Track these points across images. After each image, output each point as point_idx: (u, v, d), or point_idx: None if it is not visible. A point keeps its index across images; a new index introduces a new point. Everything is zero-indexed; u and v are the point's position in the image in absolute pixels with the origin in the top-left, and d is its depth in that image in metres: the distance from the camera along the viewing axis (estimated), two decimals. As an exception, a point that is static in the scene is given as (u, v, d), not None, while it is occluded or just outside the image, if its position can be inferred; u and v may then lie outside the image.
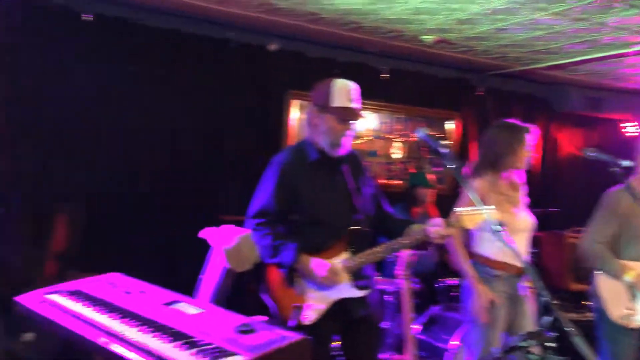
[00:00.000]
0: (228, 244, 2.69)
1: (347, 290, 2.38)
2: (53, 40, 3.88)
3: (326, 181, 2.46)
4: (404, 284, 3.44)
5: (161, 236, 4.27)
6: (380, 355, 3.69)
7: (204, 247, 2.99)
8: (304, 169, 2.44)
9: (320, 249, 2.39)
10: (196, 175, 4.42)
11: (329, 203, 2.44)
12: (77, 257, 3.89)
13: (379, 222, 2.62)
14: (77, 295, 2.01)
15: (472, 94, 5.61)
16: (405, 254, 3.40)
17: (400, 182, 5.17)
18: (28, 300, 2.02)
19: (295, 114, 4.76)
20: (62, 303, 1.94)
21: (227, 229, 2.80)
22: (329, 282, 2.33)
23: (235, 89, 4.52)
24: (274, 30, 4.49)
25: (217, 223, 2.95)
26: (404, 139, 5.34)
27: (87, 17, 3.95)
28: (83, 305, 1.90)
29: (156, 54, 4.25)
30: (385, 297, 3.78)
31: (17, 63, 3.77)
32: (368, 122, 5.12)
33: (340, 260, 2.37)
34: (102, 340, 1.66)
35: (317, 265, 2.32)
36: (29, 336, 3.38)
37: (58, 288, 2.10)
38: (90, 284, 2.16)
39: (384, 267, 4.10)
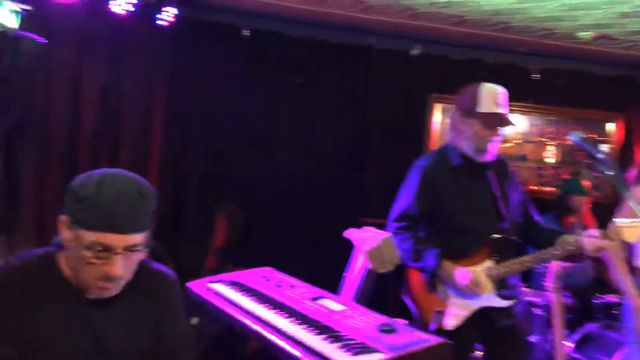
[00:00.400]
0: (369, 246, 2.77)
1: (490, 299, 2.33)
2: (218, 55, 4.31)
3: (470, 187, 2.42)
4: (554, 297, 3.24)
5: (308, 236, 4.54)
6: (527, 370, 3.51)
7: (347, 247, 3.12)
8: (446, 173, 2.42)
9: (462, 256, 2.36)
10: (341, 179, 4.61)
11: (472, 209, 2.40)
12: (234, 252, 4.29)
13: (527, 230, 2.52)
14: (236, 285, 2.23)
15: (638, 92, 5.07)
16: (556, 266, 3.20)
17: (553, 188, 4.86)
18: (196, 286, 2.30)
19: (438, 117, 4.73)
20: (223, 292, 2.16)
21: (369, 230, 2.88)
22: (471, 291, 2.30)
23: (378, 94, 4.63)
24: (416, 34, 4.50)
25: (359, 225, 3.05)
26: (557, 142, 5.01)
27: (245, 32, 4.32)
28: (241, 294, 2.10)
29: (303, 63, 4.51)
30: (534, 310, 3.59)
31: (189, 77, 4.26)
32: (517, 125, 4.89)
33: (483, 269, 2.33)
34: (257, 327, 1.83)
35: (459, 273, 2.31)
36: (194, 320, 3.80)
37: (220, 278, 2.35)
38: (247, 276, 2.37)
39: (532, 278, 3.90)
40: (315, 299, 2.06)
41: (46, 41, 3.22)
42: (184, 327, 1.61)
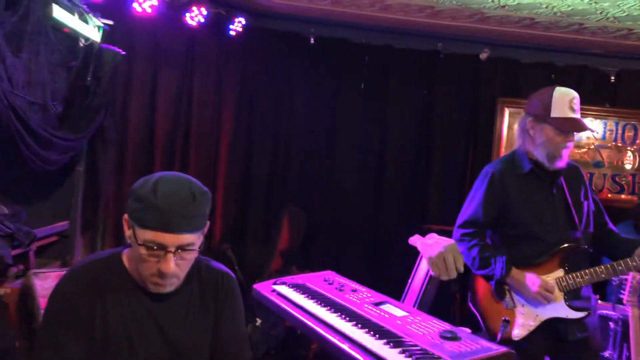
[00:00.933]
0: (433, 253, 2.74)
1: (560, 310, 2.25)
2: (285, 62, 4.42)
3: (540, 194, 2.35)
4: (631, 310, 3.07)
5: (371, 241, 4.55)
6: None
7: (412, 254, 3.10)
8: (516, 180, 2.36)
9: (530, 265, 2.30)
10: (406, 184, 4.59)
11: (542, 217, 2.33)
12: (298, 255, 4.36)
13: (601, 240, 2.41)
14: (299, 288, 2.27)
15: None
16: (632, 278, 3.03)
17: (631, 196, 4.61)
18: (262, 288, 2.36)
19: (507, 122, 4.60)
20: (287, 294, 2.21)
21: (433, 237, 2.85)
22: (541, 299, 2.23)
23: (445, 98, 4.57)
24: (485, 37, 4.41)
25: (424, 232, 3.03)
26: (635, 147, 4.74)
27: (311, 39, 4.40)
28: (305, 297, 2.14)
29: (369, 69, 4.53)
30: (609, 324, 3.41)
31: (257, 84, 4.39)
32: (593, 130, 4.68)
33: (553, 278, 2.26)
34: (319, 329, 1.86)
35: (529, 279, 2.25)
36: (258, 321, 3.90)
37: (284, 280, 2.41)
38: (310, 279, 2.42)
39: (607, 290, 3.71)
40: (377, 304, 2.07)
41: (125, 53, 3.43)
42: (242, 327, 1.66)
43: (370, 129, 4.56)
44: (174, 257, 1.40)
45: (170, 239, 1.38)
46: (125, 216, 1.45)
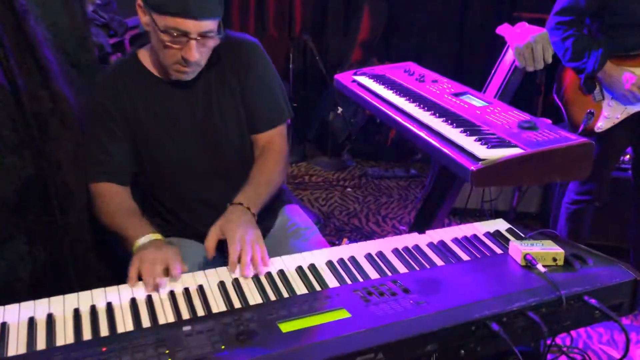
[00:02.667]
0: (520, 42, 2.60)
1: (650, 105, 2.17)
2: None
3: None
4: None
5: (455, 31, 4.33)
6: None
7: (499, 45, 2.97)
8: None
9: (628, 57, 2.18)
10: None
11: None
12: (379, 46, 4.29)
13: None
14: (378, 78, 2.30)
15: None
16: None
17: None
18: (342, 78, 2.42)
19: None
20: (367, 84, 2.26)
21: (522, 26, 2.68)
22: (631, 98, 2.16)
23: None
24: None
25: (513, 21, 2.84)
26: None
27: None
28: (384, 87, 2.18)
29: None
30: None
31: None
32: None
33: (650, 71, 2.13)
34: (397, 117, 1.93)
35: (625, 77, 2.15)
36: (339, 110, 4.06)
37: (364, 71, 2.43)
38: (390, 70, 2.42)
39: None
40: (457, 94, 2.07)
41: None
42: (275, 89, 1.68)
43: None
44: (196, 43, 1.43)
45: (192, 26, 1.39)
46: (139, 1, 1.46)
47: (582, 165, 1.62)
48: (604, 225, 2.86)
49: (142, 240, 1.39)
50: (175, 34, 1.41)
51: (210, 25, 1.43)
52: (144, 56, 1.61)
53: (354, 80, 2.34)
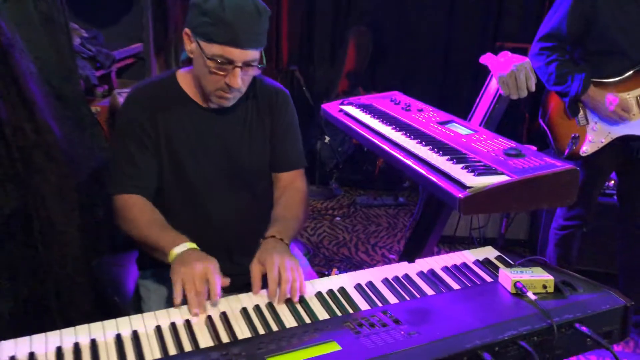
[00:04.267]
0: (504, 71, 2.64)
1: (635, 128, 2.21)
2: None
3: (631, 8, 2.18)
4: None
5: (439, 61, 4.40)
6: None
7: (483, 74, 3.02)
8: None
9: (611, 81, 2.23)
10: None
11: (629, 29, 2.18)
12: (364, 76, 4.34)
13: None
14: (365, 107, 2.31)
15: None
16: None
17: None
18: (329, 108, 2.43)
19: None
20: (354, 113, 2.27)
21: (505, 55, 2.72)
22: (618, 117, 2.19)
23: None
24: None
25: (496, 50, 2.90)
26: None
27: None
28: (371, 116, 2.19)
29: None
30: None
31: None
32: None
33: (634, 96, 2.17)
34: (384, 146, 1.94)
35: (608, 98, 2.19)
36: (327, 139, 4.08)
37: (350, 100, 2.45)
38: (376, 99, 2.44)
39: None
40: (443, 123, 2.09)
41: None
42: (297, 140, 1.78)
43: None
44: (240, 71, 1.46)
45: (238, 54, 1.44)
46: (187, 30, 1.49)
47: (569, 191, 1.63)
48: (592, 251, 2.87)
49: (178, 249, 1.39)
50: (220, 61, 1.45)
51: (254, 54, 1.48)
52: (183, 78, 1.63)
53: (341, 110, 2.35)
